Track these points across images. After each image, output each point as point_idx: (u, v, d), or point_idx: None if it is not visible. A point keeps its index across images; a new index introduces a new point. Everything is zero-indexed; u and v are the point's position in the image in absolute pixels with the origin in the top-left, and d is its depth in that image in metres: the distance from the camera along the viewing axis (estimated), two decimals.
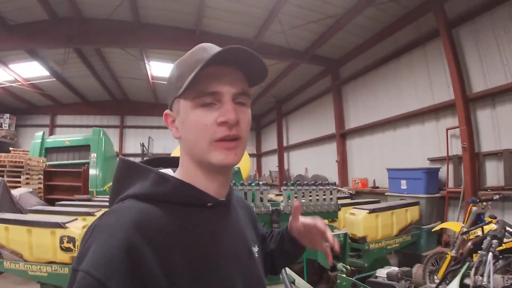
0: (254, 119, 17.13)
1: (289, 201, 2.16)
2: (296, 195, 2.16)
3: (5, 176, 7.57)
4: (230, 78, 0.75)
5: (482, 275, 1.88)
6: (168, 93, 0.82)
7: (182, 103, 0.76)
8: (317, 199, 2.20)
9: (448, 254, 3.78)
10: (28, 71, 10.18)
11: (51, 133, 14.04)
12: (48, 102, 14.02)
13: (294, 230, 1.01)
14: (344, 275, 1.60)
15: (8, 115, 13.27)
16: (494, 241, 2.16)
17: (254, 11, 6.98)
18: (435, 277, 3.94)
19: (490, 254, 2.04)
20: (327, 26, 7.30)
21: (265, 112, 16.01)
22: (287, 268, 2.49)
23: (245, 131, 0.78)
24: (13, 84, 10.86)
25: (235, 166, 2.71)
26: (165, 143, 14.56)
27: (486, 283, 1.82)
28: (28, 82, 10.98)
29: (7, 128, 13.11)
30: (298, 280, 2.48)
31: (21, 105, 13.84)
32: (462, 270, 1.93)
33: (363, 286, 1.40)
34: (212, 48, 0.77)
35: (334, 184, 2.23)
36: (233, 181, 2.15)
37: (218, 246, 0.76)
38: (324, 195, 2.21)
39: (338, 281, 1.57)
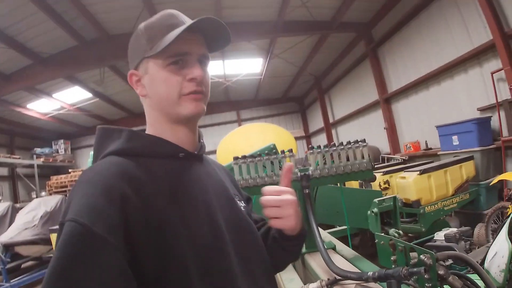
0: (296, 100, 16.89)
1: (318, 165, 2.09)
2: (325, 159, 2.08)
3: (67, 194, 8.25)
4: (196, 42, 0.86)
5: None
6: (134, 55, 0.90)
7: (152, 63, 0.85)
8: (347, 159, 2.10)
9: (509, 208, 3.45)
10: (72, 96, 10.73)
11: None
12: (97, 121, 14.71)
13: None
14: (384, 234, 1.49)
15: (62, 140, 14.33)
16: None
17: None
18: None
19: None
20: None
21: (306, 92, 15.71)
22: (324, 233, 2.41)
23: (208, 88, 0.89)
24: (60, 112, 11.62)
25: (270, 143, 2.67)
26: (214, 140, 14.70)
27: None
28: (74, 107, 11.70)
29: (63, 152, 14.19)
30: (341, 246, 2.37)
31: (73, 129, 14.78)
32: (507, 222, 1.72)
33: (399, 241, 1.29)
34: (179, 15, 0.89)
35: (364, 141, 2.11)
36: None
37: (195, 190, 0.82)
38: (355, 154, 2.10)
39: (376, 240, 1.47)
